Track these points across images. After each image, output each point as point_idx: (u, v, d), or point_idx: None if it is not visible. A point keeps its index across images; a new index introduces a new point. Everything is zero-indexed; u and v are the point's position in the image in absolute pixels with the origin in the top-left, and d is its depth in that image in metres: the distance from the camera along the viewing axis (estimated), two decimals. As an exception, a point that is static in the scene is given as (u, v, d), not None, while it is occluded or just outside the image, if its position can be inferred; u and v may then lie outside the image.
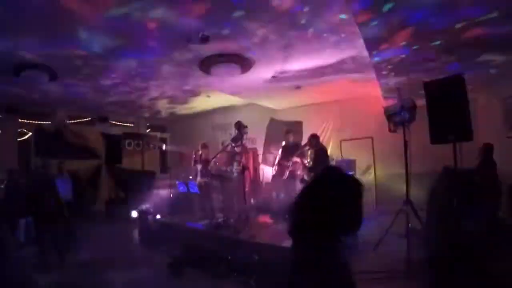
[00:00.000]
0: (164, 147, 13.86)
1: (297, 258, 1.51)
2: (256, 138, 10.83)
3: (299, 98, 9.73)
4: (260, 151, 10.56)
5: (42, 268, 5.31)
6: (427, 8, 4.03)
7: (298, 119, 10.37)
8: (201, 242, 6.14)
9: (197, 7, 4.39)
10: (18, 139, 9.99)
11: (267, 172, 10.09)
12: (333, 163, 8.29)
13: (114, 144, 11.03)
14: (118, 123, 12.90)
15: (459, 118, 3.99)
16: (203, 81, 7.81)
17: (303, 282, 1.42)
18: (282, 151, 7.34)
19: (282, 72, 7.11)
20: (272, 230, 6.25)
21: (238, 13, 4.54)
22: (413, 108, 5.00)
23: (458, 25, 4.44)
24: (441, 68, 5.91)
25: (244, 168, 6.27)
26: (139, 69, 6.87)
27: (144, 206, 8.91)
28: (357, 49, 5.67)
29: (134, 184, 10.52)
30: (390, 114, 5.42)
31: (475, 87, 7.10)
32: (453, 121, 4.04)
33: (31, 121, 10.23)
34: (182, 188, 7.97)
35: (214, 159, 7.47)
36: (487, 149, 5.81)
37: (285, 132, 7.38)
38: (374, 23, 4.30)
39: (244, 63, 6.37)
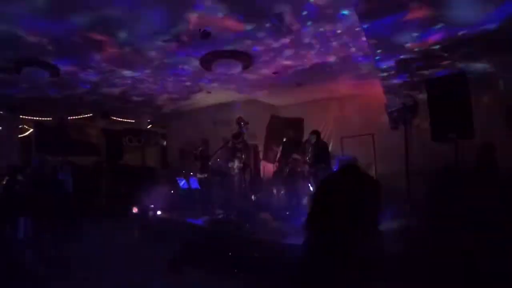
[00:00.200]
0: (165, 143, 13.87)
1: (310, 251, 1.51)
2: (256, 134, 10.83)
3: (300, 95, 9.71)
4: (261, 147, 10.56)
5: (42, 263, 5.34)
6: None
7: (299, 115, 10.36)
8: (202, 239, 6.15)
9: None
10: (19, 136, 9.99)
11: (268, 168, 10.11)
12: (333, 160, 8.29)
13: (115, 140, 11.06)
14: (119, 119, 12.88)
15: (461, 116, 3.99)
16: (204, 77, 7.79)
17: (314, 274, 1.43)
18: (282, 147, 7.34)
19: (283, 69, 7.09)
20: (273, 227, 6.25)
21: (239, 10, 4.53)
22: (414, 105, 5.00)
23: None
24: (443, 66, 5.89)
25: (245, 165, 6.27)
26: (139, 65, 6.85)
27: (145, 202, 8.94)
28: (359, 45, 5.65)
29: (134, 180, 10.53)
30: (391, 111, 5.41)
31: (477, 85, 7.09)
32: (455, 119, 4.03)
33: (32, 118, 10.22)
34: (182, 184, 7.99)
35: (215, 155, 7.48)
36: (488, 147, 5.80)
37: (285, 129, 7.36)
38: (377, 20, 4.29)
39: (245, 60, 6.35)
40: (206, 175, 7.55)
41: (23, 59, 6.17)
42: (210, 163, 7.62)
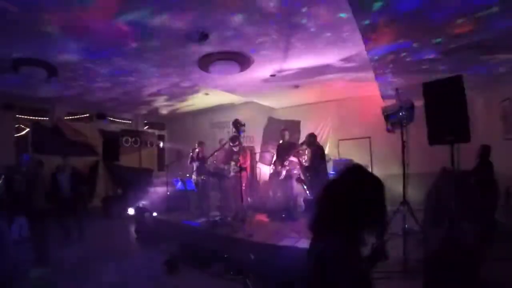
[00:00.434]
0: (161, 144, 13.87)
1: (315, 253, 1.48)
2: (254, 136, 10.85)
3: (297, 97, 9.72)
4: (258, 150, 10.57)
5: (36, 264, 5.31)
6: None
7: (296, 118, 10.39)
8: (198, 240, 6.14)
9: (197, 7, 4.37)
10: (15, 135, 9.93)
11: (264, 171, 10.11)
12: (330, 162, 8.30)
13: (111, 141, 11.04)
14: (116, 120, 12.87)
15: (457, 119, 4.01)
16: (202, 79, 7.79)
17: (317, 276, 1.41)
18: (277, 150, 7.34)
19: (280, 71, 7.10)
20: (269, 229, 6.25)
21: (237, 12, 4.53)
22: (411, 108, 5.00)
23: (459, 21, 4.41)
24: (440, 69, 5.92)
25: (242, 168, 6.27)
26: (137, 65, 6.84)
27: (141, 203, 8.92)
28: (356, 48, 5.66)
29: (131, 181, 10.54)
30: (388, 114, 5.42)
31: (474, 88, 7.12)
32: (451, 122, 4.05)
33: (28, 117, 10.18)
34: (179, 186, 7.98)
35: (211, 157, 7.47)
36: (485, 150, 5.82)
37: (281, 131, 7.37)
38: (374, 22, 4.30)
39: (243, 62, 6.35)
40: (203, 177, 7.53)
41: (21, 58, 6.15)
42: (206, 165, 7.60)
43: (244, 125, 6.46)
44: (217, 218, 6.73)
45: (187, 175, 8.30)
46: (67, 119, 11.04)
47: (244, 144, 7.37)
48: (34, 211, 5.45)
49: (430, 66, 5.86)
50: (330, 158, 8.73)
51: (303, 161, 6.87)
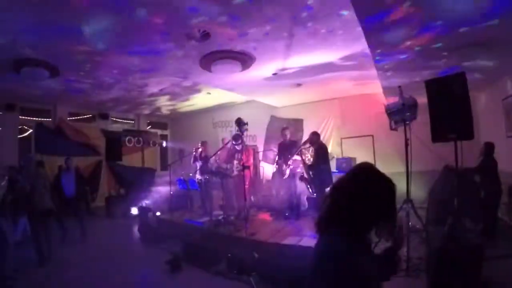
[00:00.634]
0: (164, 144, 13.90)
1: (321, 252, 1.45)
2: (256, 135, 10.85)
3: (300, 96, 9.71)
4: (261, 149, 10.57)
5: (38, 264, 5.34)
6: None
7: (299, 116, 10.38)
8: (201, 240, 6.15)
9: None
10: (19, 136, 9.99)
11: (267, 169, 10.12)
12: (333, 161, 8.29)
13: (114, 141, 11.07)
14: (118, 119, 12.91)
15: (461, 117, 3.99)
16: (204, 78, 7.79)
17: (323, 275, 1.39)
18: (278, 149, 7.33)
19: (283, 70, 7.09)
20: (272, 228, 6.26)
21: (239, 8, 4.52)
22: (414, 106, 4.98)
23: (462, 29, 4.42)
24: (443, 66, 5.89)
25: (244, 166, 6.27)
26: (139, 65, 6.85)
27: (144, 203, 8.95)
28: (359, 46, 5.65)
29: (134, 181, 10.56)
30: (391, 112, 5.39)
31: (477, 86, 7.09)
32: (455, 119, 4.03)
33: (31, 118, 10.23)
34: (182, 185, 7.99)
35: (214, 156, 7.47)
36: (488, 148, 5.80)
37: (281, 130, 7.35)
38: (376, 19, 4.28)
39: (244, 61, 6.35)
40: (206, 177, 7.54)
41: (23, 58, 6.17)
42: (209, 164, 7.61)
43: (246, 123, 6.46)
44: (220, 217, 6.74)
45: (190, 174, 8.32)
46: (69, 119, 11.08)
47: (247, 143, 7.36)
48: (36, 211, 5.47)
49: (433, 63, 5.83)
50: (333, 157, 8.72)
51: (306, 159, 6.86)
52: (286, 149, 7.05)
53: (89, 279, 4.90)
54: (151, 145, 12.61)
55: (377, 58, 5.53)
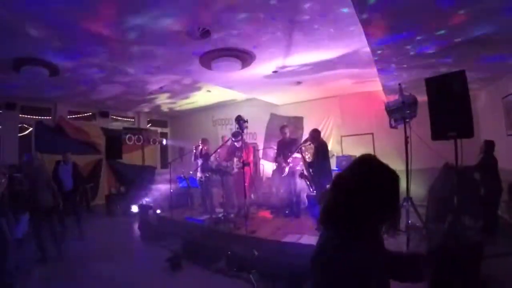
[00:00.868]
0: (164, 142, 13.90)
1: (324, 247, 1.40)
2: (256, 133, 10.86)
3: (300, 94, 9.70)
4: (261, 146, 10.58)
5: (39, 261, 5.36)
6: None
7: (299, 114, 10.38)
8: (201, 237, 6.16)
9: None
10: (19, 135, 9.99)
11: (267, 167, 10.13)
12: (333, 158, 8.30)
13: (114, 139, 11.08)
14: (118, 118, 12.92)
15: (460, 115, 3.99)
16: (204, 76, 7.78)
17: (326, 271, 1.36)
18: (278, 146, 7.33)
19: (283, 67, 7.08)
20: (272, 226, 6.26)
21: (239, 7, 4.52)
22: (414, 104, 4.98)
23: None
24: (443, 65, 5.88)
25: (244, 164, 6.27)
26: (139, 64, 6.85)
27: (144, 201, 8.96)
28: (359, 44, 5.64)
29: (134, 179, 10.58)
30: (391, 110, 5.40)
31: (477, 84, 7.08)
32: (454, 117, 4.03)
33: (31, 117, 10.23)
34: (182, 183, 8.00)
35: (214, 154, 7.47)
36: (488, 146, 5.80)
37: (281, 128, 7.35)
38: (377, 18, 4.27)
39: (245, 58, 6.34)
40: (207, 174, 7.54)
41: (23, 57, 6.16)
42: (209, 162, 7.61)
43: (246, 121, 6.46)
44: (220, 215, 6.75)
45: (190, 172, 8.32)
46: (69, 117, 11.07)
47: (247, 141, 7.36)
48: (39, 209, 5.48)
49: (433, 61, 5.82)
50: (333, 154, 8.73)
51: (307, 157, 6.86)
52: (286, 147, 7.05)
53: (89, 277, 4.91)
54: (151, 143, 12.62)
55: (377, 53, 5.52)
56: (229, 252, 5.04)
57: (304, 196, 7.41)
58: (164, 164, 13.02)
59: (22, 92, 8.82)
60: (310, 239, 4.87)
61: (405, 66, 6.03)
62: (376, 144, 8.77)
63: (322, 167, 6.44)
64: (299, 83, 8.38)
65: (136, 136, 12.04)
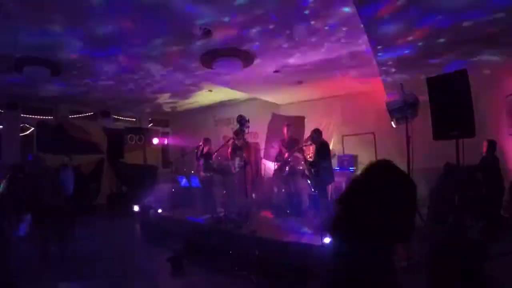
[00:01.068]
0: (166, 141, 13.90)
1: (334, 259, 1.34)
2: (258, 132, 10.83)
3: (301, 93, 9.70)
4: (262, 146, 10.56)
5: (42, 261, 5.37)
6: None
7: (300, 114, 10.35)
8: (202, 237, 6.16)
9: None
10: (21, 134, 10.02)
11: (269, 166, 10.11)
12: (334, 158, 8.28)
13: (116, 139, 11.09)
14: (120, 117, 12.92)
15: (462, 114, 3.97)
16: (205, 76, 7.79)
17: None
18: (279, 146, 7.33)
19: (284, 67, 7.08)
20: (273, 225, 6.26)
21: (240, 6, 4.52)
22: (415, 103, 4.97)
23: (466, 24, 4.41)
24: (445, 64, 5.87)
25: (246, 163, 6.27)
26: (141, 63, 6.86)
27: (146, 201, 8.96)
28: (360, 44, 5.63)
29: (136, 179, 10.58)
30: (392, 110, 5.39)
31: (478, 83, 7.06)
32: (456, 117, 4.01)
33: (33, 116, 10.25)
34: (183, 183, 7.99)
35: (216, 154, 7.47)
36: (490, 145, 5.78)
37: (283, 127, 7.35)
38: (378, 16, 4.27)
39: (246, 58, 6.34)
40: (209, 174, 7.54)
41: (25, 57, 6.17)
42: (211, 161, 7.61)
43: (248, 120, 6.45)
44: (221, 214, 6.74)
45: (192, 171, 8.32)
46: (71, 117, 11.09)
47: (249, 141, 7.35)
48: (43, 209, 5.49)
49: (434, 60, 5.81)
50: (335, 154, 8.71)
51: (308, 156, 6.86)
52: (287, 147, 7.04)
53: (91, 276, 4.92)
54: (152, 142, 12.62)
55: (379, 54, 5.52)
56: (230, 252, 5.04)
57: (305, 195, 7.41)
58: (166, 163, 13.03)
59: (24, 91, 8.84)
60: (311, 239, 4.87)
61: (407, 65, 6.02)
62: (377, 144, 8.74)
63: (323, 166, 6.42)
64: (300, 82, 8.37)
65: (138, 136, 12.05)
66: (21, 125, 10.08)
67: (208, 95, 10.41)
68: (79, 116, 11.47)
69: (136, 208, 9.09)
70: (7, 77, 7.28)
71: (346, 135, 9.49)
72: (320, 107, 10.11)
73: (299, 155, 6.95)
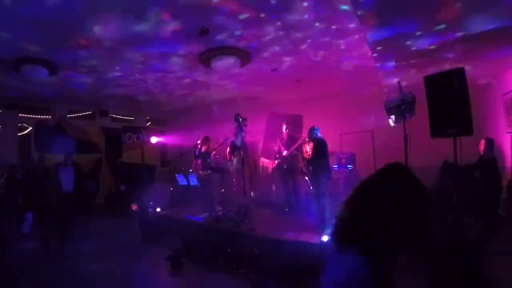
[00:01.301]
0: (164, 140, 13.87)
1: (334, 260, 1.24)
2: (256, 131, 10.83)
3: (299, 92, 9.70)
4: (260, 144, 10.56)
5: (43, 259, 5.36)
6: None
7: (298, 112, 10.34)
8: (201, 235, 6.16)
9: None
10: (18, 134, 9.99)
11: (267, 165, 10.11)
12: (332, 156, 8.29)
13: (114, 138, 11.07)
14: (118, 117, 12.89)
15: (460, 112, 3.98)
16: (203, 74, 7.78)
17: None
18: (277, 144, 7.34)
19: (282, 65, 7.08)
20: (272, 223, 6.26)
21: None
22: (413, 101, 4.97)
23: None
24: (442, 62, 5.88)
25: (244, 161, 6.27)
26: (139, 63, 6.84)
27: (144, 199, 8.95)
28: (358, 41, 5.64)
29: (134, 178, 10.56)
30: (390, 108, 5.39)
31: (476, 81, 7.07)
32: (454, 115, 4.02)
33: (31, 116, 10.22)
34: (182, 181, 7.98)
35: (213, 152, 7.46)
36: (488, 143, 5.79)
37: (281, 126, 7.35)
38: (377, 15, 4.28)
39: (244, 56, 6.34)
40: (208, 172, 7.53)
41: (22, 57, 6.15)
42: (209, 160, 7.60)
43: (245, 119, 6.45)
44: (220, 213, 6.74)
45: (190, 170, 8.31)
46: (69, 117, 11.06)
47: (246, 139, 7.35)
48: (45, 208, 5.50)
49: (433, 58, 5.82)
50: (333, 152, 8.71)
51: (306, 154, 6.86)
52: (286, 145, 7.05)
53: (90, 275, 4.92)
54: (150, 141, 12.60)
55: (376, 52, 5.52)
56: (228, 250, 5.05)
57: (303, 193, 7.41)
58: (164, 162, 13.01)
59: (21, 91, 8.80)
60: (309, 237, 4.87)
61: (404, 63, 6.03)
62: (375, 142, 8.76)
63: (321, 164, 6.43)
64: (297, 81, 8.37)
65: (136, 135, 12.03)
66: (19, 124, 10.04)
67: (206, 93, 10.39)
68: (77, 116, 11.44)
69: (134, 207, 9.08)
70: (5, 77, 7.25)
71: (344, 133, 9.51)
72: (318, 105, 10.10)
73: (297, 153, 6.96)
